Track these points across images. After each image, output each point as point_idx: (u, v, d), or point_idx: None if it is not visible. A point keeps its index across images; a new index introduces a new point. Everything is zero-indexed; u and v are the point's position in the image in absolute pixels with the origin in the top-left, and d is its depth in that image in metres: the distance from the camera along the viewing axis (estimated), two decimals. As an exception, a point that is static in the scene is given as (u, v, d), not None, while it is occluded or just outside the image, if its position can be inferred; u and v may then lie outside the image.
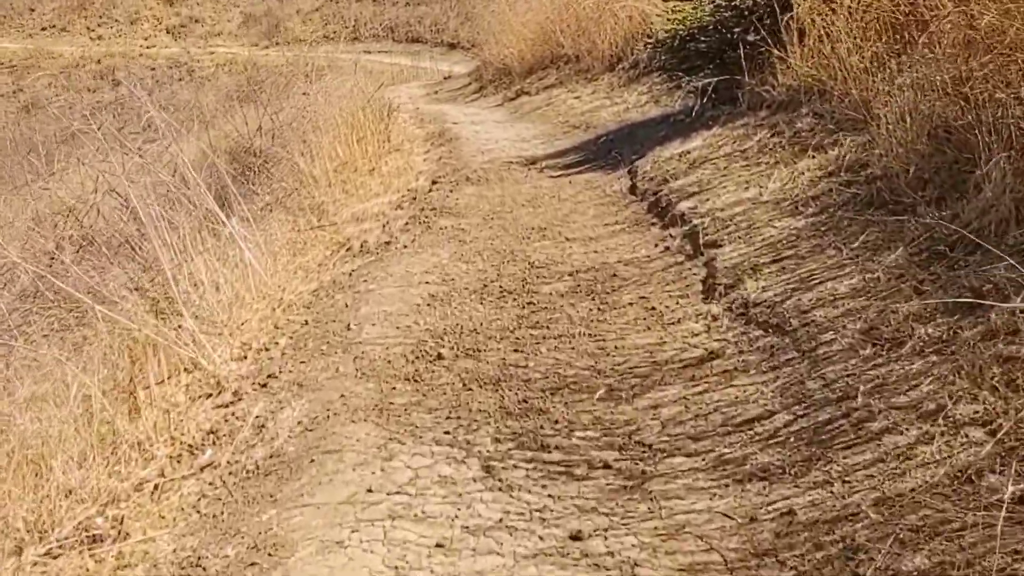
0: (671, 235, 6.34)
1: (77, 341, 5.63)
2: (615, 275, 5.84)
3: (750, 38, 8.16)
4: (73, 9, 43.17)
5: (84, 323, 5.98)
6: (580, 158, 9.24)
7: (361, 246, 7.40)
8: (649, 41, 12.39)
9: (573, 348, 4.84)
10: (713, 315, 4.92)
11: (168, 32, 41.95)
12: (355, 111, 12.13)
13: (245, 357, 5.22)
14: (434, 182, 9.28)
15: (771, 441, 3.67)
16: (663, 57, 9.98)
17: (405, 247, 6.99)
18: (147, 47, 41.46)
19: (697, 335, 4.74)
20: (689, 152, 7.81)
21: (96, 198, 8.60)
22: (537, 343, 4.93)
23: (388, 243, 7.26)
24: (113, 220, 8.18)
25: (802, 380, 3.96)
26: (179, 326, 5.34)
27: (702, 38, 8.56)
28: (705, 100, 8.54)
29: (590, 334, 4.98)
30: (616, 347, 4.79)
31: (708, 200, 6.54)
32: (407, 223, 7.83)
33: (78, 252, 6.98)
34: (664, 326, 4.95)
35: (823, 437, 3.55)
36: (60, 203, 10.72)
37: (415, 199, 8.76)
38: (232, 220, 7.56)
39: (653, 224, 6.77)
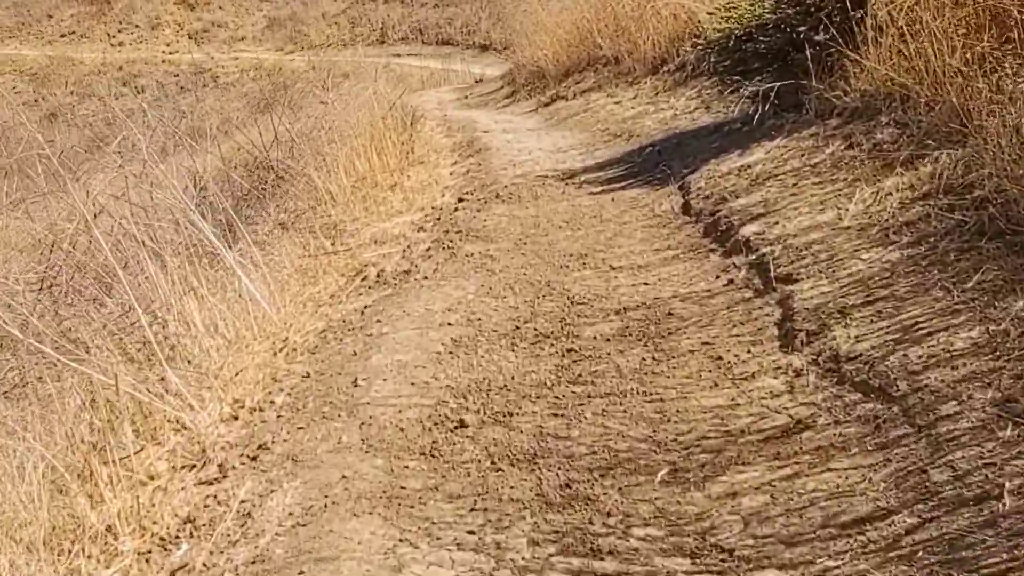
0: (734, 265, 5.55)
1: (47, 396, 4.90)
2: (670, 314, 5.06)
3: (818, 37, 7.36)
4: (92, 15, 42.83)
5: (60, 374, 5.25)
6: (624, 172, 8.46)
7: (378, 275, 6.67)
8: (698, 41, 11.67)
9: (625, 411, 4.07)
10: (795, 369, 4.13)
11: (190, 37, 41.52)
12: (376, 120, 11.42)
13: (236, 417, 4.48)
14: (460, 199, 8.53)
15: (891, 554, 2.88)
16: (715, 59, 9.19)
17: (426, 278, 6.24)
18: (169, 53, 41.04)
19: (777, 396, 3.96)
20: (750, 166, 7.02)
21: (86, 223, 7.89)
22: (581, 404, 4.16)
23: (407, 272, 6.52)
24: (102, 249, 7.48)
25: (923, 468, 3.16)
26: (162, 378, 4.61)
27: (761, 38, 7.77)
28: (765, 107, 7.74)
29: (644, 392, 4.21)
30: (678, 410, 4.01)
31: (777, 224, 5.75)
32: (429, 248, 7.09)
33: (50, 288, 6.28)
34: (735, 382, 4.17)
35: (963, 554, 2.76)
36: (54, 225, 10.05)
37: (439, 219, 8.02)
38: (235, 248, 6.87)
39: (712, 251, 5.98)
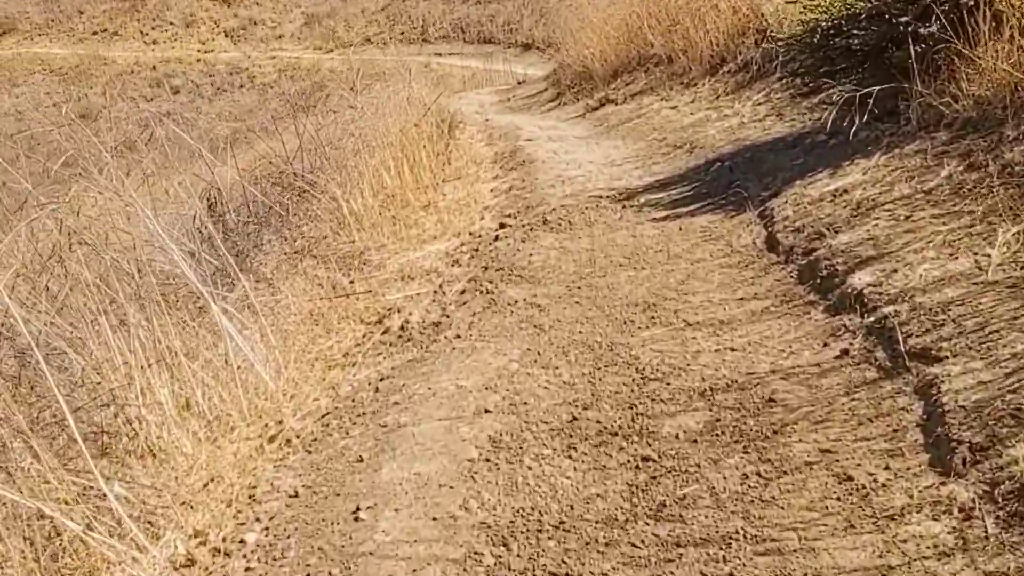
0: (846, 328, 4.38)
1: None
2: (772, 400, 3.89)
3: (924, 30, 6.15)
4: (125, 11, 42.03)
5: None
6: (689, 192, 7.28)
7: (402, 327, 5.54)
8: (770, 37, 10.48)
9: (732, 571, 2.90)
10: (962, 507, 2.95)
11: (226, 35, 40.64)
12: (409, 127, 10.28)
13: (193, 562, 3.34)
14: (502, 225, 7.39)
15: None
16: (793, 58, 7.99)
17: (459, 336, 5.11)
18: (204, 52, 40.18)
19: (947, 556, 2.78)
20: (846, 191, 5.82)
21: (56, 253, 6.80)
22: (668, 556, 3.00)
23: (437, 325, 5.39)
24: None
25: None
26: (103, 495, 3.49)
27: (854, 31, 6.56)
28: (859, 115, 6.53)
29: (754, 536, 3.04)
30: (806, 572, 2.84)
31: (896, 272, 4.57)
32: (465, 290, 5.96)
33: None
34: (878, 523, 3.00)
35: None
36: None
37: (477, 250, 6.90)
38: (236, 288, 5.78)
39: (812, 304, 4.80)
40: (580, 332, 4.93)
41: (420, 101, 13.44)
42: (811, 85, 8.68)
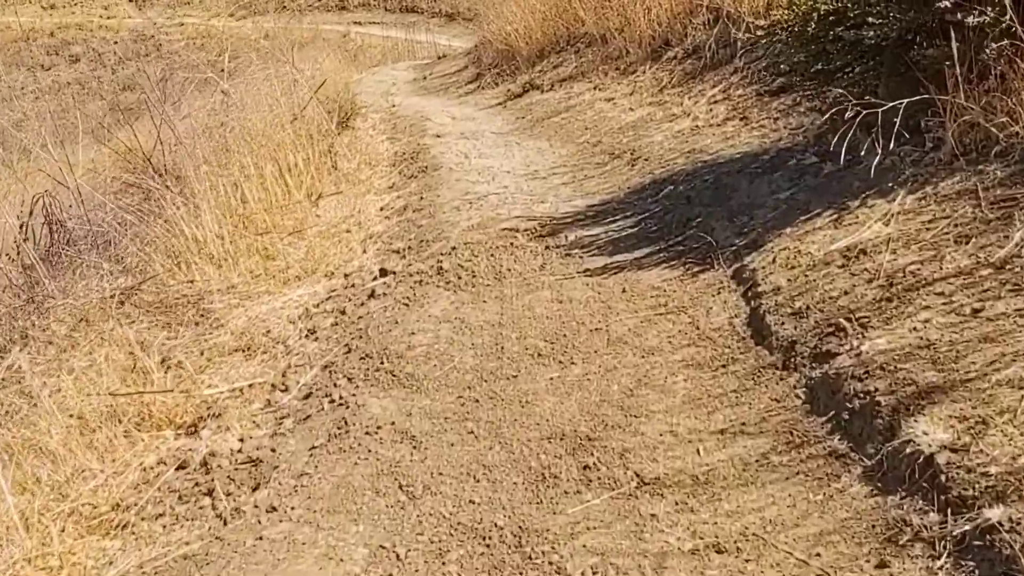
0: (925, 527, 2.55)
1: None
2: None
3: (974, 19, 4.35)
4: (21, -26, 39.15)
5: None
6: (634, 229, 5.43)
7: (204, 463, 3.61)
8: (711, 17, 8.73)
9: None
10: None
11: (130, 0, 37.95)
12: (286, 122, 8.31)
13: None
14: (384, 271, 5.49)
15: None
16: (778, 52, 6.18)
17: (274, 508, 3.21)
18: (107, 18, 37.48)
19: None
20: (865, 251, 4.01)
21: None
22: None
23: (255, 467, 3.48)
24: None
25: None
26: None
27: (867, 19, 4.70)
28: (856, 130, 4.71)
29: None
30: None
31: (988, 428, 2.75)
32: (311, 392, 4.06)
33: None
34: None
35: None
36: None
37: (344, 312, 5.03)
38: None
39: (843, 460, 3.00)
40: (471, 502, 3.06)
41: (312, 84, 11.48)
42: (781, 81, 6.85)
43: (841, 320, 3.59)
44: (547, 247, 5.41)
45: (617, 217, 5.68)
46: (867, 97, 4.80)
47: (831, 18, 5.00)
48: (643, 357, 3.93)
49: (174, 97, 10.79)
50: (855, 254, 4.01)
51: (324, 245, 6.47)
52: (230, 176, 7.10)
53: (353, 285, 5.50)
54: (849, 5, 4.85)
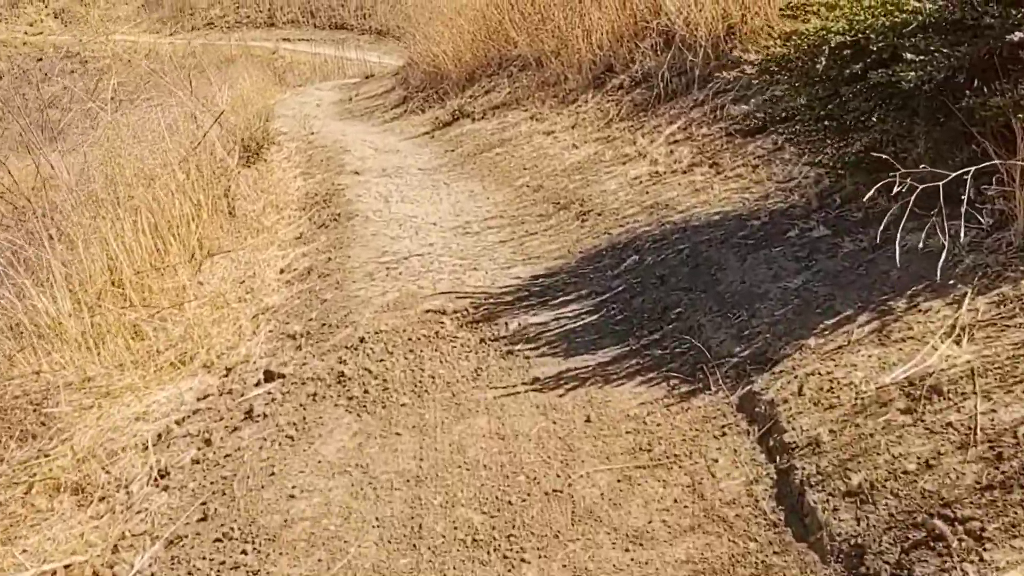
0: None
1: None
2: None
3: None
4: (-57, -10, 36.89)
5: None
6: (593, 316, 4.07)
7: None
8: (661, 41, 7.48)
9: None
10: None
11: (56, 16, 35.90)
12: (177, 158, 6.86)
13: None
14: (269, 375, 4.05)
15: None
16: (773, 95, 4.85)
17: None
18: (33, 34, 35.42)
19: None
20: (938, 388, 2.68)
21: None
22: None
23: None
24: None
25: None
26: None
27: (904, 54, 3.35)
28: (887, 198, 3.38)
29: None
30: None
31: None
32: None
33: None
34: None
35: None
36: None
37: (209, 441, 3.56)
38: None
39: None
40: None
41: (229, 105, 10.02)
42: (756, 119, 5.54)
43: (935, 521, 2.24)
44: (482, 340, 4.02)
45: (570, 297, 4.31)
46: (899, 153, 3.49)
47: (847, 51, 3.66)
48: (627, 550, 2.56)
49: (60, 126, 9.28)
50: (924, 393, 2.67)
51: (207, 322, 5.02)
52: (97, 232, 5.62)
53: (231, 391, 4.06)
54: (873, 36, 3.51)
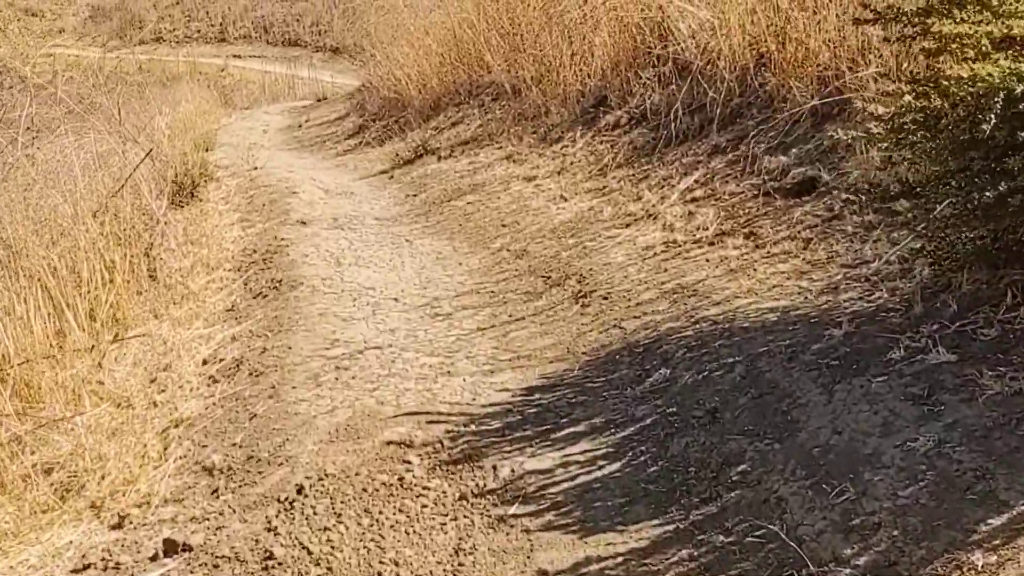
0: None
1: None
2: None
3: None
4: None
5: None
6: (615, 464, 3.05)
7: None
8: (669, 70, 6.54)
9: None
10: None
11: (-6, 27, 34.45)
12: (90, 211, 5.76)
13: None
14: (170, 546, 2.96)
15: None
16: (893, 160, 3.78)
17: None
18: (-32, 46, 33.92)
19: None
20: None
21: None
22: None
23: None
24: None
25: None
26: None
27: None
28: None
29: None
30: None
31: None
32: None
33: None
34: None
35: None
36: None
37: None
38: None
39: None
40: None
41: (159, 151, 8.93)
42: (797, 177, 4.53)
43: None
44: (463, 496, 2.97)
45: (580, 428, 3.25)
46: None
47: (973, 128, 2.63)
48: None
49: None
50: None
51: (105, 435, 3.91)
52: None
53: (117, 566, 2.95)
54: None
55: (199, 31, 34.07)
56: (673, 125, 5.86)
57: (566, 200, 5.92)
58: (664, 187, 5.34)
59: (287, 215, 7.10)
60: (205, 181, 9.21)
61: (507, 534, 2.74)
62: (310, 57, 30.70)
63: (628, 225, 5.10)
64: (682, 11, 6.61)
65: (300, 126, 14.57)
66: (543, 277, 4.84)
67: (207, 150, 11.88)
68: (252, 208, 7.74)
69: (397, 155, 8.98)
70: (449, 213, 6.64)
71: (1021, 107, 2.51)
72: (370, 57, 13.60)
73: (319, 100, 18.59)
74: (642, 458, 2.98)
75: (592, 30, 7.83)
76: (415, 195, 7.50)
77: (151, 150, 6.82)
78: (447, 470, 3.12)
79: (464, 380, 3.79)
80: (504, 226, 5.88)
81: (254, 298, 5.36)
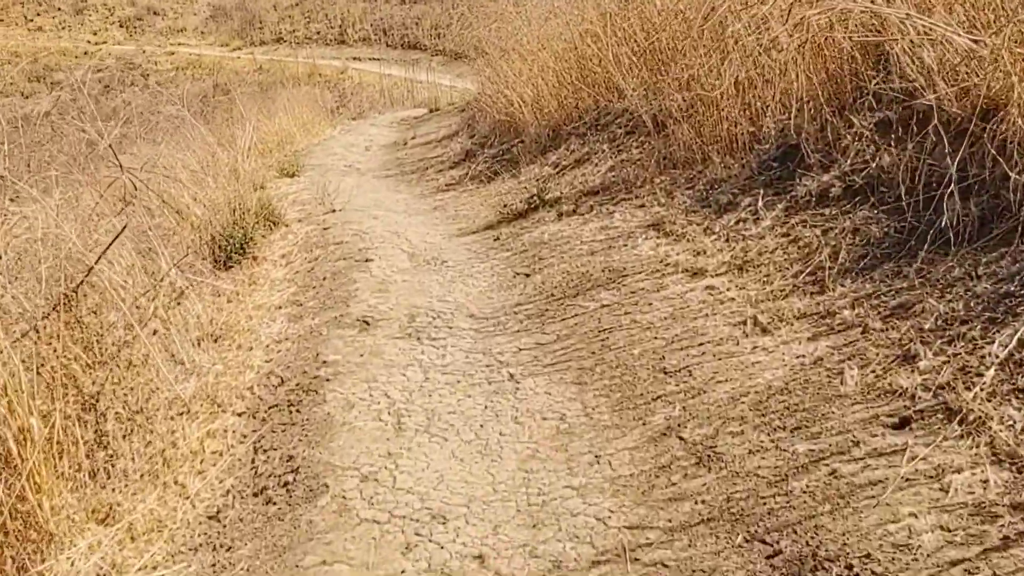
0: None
1: None
2: None
3: None
4: (8, -8, 34.12)
5: None
6: None
7: None
8: (892, 114, 3.94)
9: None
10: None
11: (121, 25, 33.03)
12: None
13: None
14: None
15: None
16: None
17: None
18: (96, 43, 32.58)
19: None
20: None
21: None
22: None
23: None
24: None
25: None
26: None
27: None
28: None
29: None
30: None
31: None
32: None
33: None
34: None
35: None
36: None
37: None
38: None
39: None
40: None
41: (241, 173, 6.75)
42: None
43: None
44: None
45: None
46: None
47: None
48: None
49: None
50: None
51: None
52: None
53: None
54: None
55: (318, 32, 32.16)
56: (943, 215, 3.35)
57: (766, 332, 3.45)
58: (954, 339, 2.84)
59: (347, 305, 4.77)
60: (270, 225, 6.97)
61: None
62: (429, 60, 28.56)
63: (905, 424, 2.62)
64: (926, 35, 4.05)
65: (406, 143, 12.29)
66: (760, 540, 2.39)
67: (292, 175, 9.69)
68: (310, 281, 5.44)
69: (505, 205, 6.60)
70: (575, 321, 4.22)
71: None
72: (481, 70, 11.23)
73: (431, 111, 16.38)
74: None
75: (766, 50, 5.33)
76: (527, 275, 5.10)
77: (124, 227, 4.49)
78: None
79: None
80: (666, 374, 3.43)
81: (254, 500, 3.01)
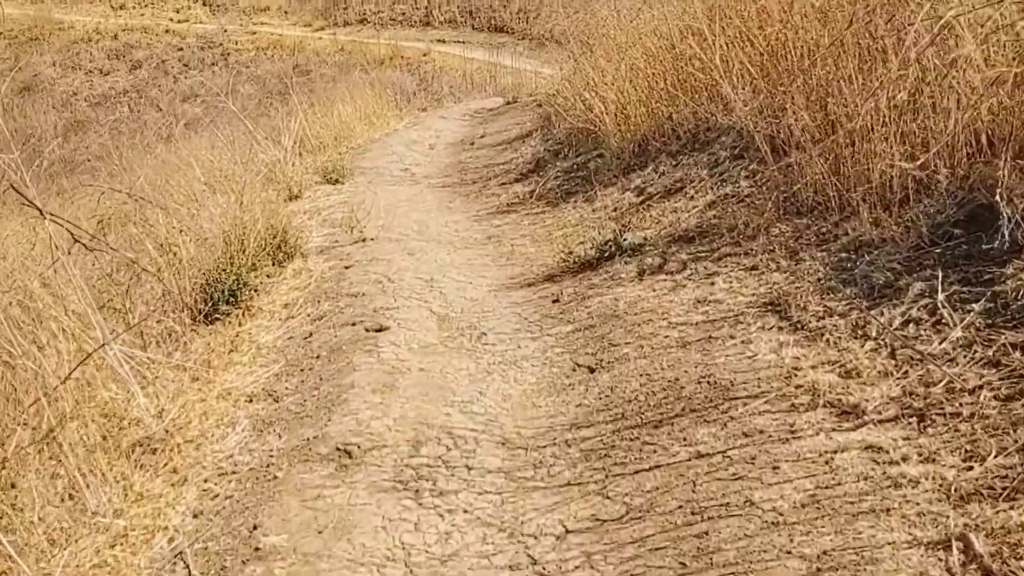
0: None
1: None
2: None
3: None
4: (93, -31, 33.37)
5: None
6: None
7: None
8: None
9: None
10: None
11: (205, 4, 32.07)
12: None
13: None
14: None
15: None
16: None
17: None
18: (178, 21, 31.67)
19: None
20: None
21: None
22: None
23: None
24: None
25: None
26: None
27: None
28: None
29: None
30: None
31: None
32: None
33: None
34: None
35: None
36: None
37: None
38: None
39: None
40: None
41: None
42: None
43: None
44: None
45: None
46: None
47: None
48: None
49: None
50: None
51: None
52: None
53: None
54: None
55: (403, 13, 30.85)
56: None
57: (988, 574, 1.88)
58: None
59: (330, 416, 3.30)
60: (283, 258, 5.57)
61: None
62: (515, 45, 27.05)
63: None
64: None
65: (473, 143, 10.81)
66: None
67: (336, 181, 8.28)
68: (301, 357, 4.00)
69: (571, 251, 5.06)
70: (655, 483, 2.70)
71: None
72: (562, 67, 9.68)
73: (509, 103, 14.89)
74: None
75: (948, 66, 3.73)
76: (591, 369, 3.58)
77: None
78: None
79: None
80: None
81: None
